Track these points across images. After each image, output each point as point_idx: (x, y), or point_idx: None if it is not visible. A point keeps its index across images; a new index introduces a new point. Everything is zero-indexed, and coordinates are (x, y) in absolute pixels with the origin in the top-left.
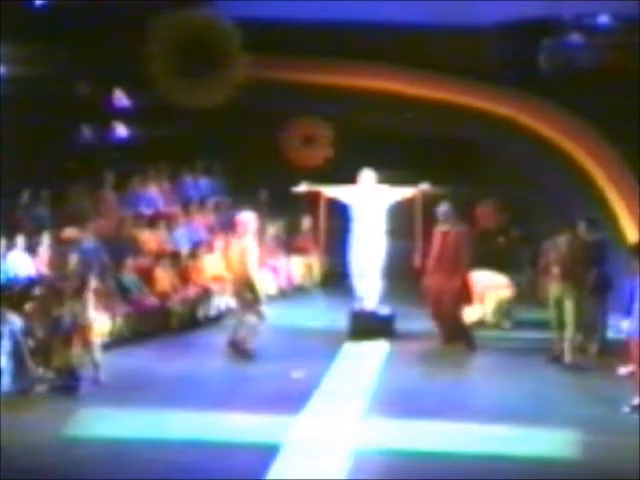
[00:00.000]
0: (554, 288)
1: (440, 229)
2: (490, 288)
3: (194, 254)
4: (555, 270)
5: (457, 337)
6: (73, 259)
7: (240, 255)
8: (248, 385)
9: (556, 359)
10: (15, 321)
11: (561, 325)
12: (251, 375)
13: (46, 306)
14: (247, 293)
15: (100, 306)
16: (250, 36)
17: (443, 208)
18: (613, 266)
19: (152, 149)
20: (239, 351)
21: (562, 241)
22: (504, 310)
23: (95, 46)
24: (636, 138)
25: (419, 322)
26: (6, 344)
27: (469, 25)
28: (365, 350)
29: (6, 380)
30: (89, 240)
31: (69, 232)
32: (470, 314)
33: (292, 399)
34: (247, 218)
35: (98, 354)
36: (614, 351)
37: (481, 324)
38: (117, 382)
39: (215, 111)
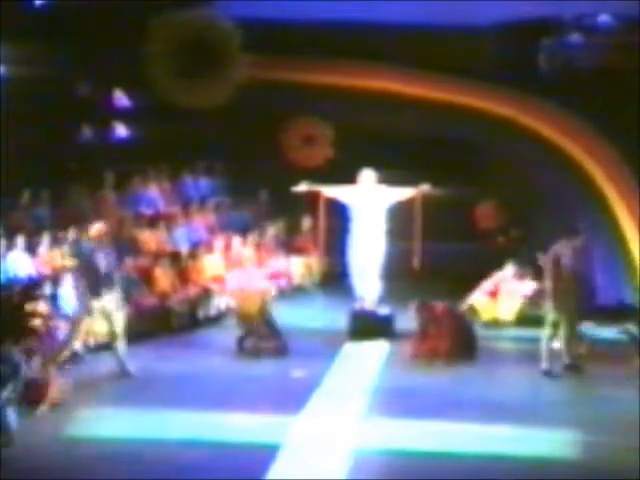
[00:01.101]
0: (565, 293)
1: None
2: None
3: (194, 254)
4: (566, 275)
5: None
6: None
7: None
8: (248, 385)
9: (548, 373)
10: (18, 357)
11: (558, 326)
12: (251, 375)
13: None
14: (262, 327)
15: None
16: (250, 36)
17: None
18: (611, 268)
19: (152, 149)
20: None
21: (569, 246)
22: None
23: (95, 46)
24: (636, 138)
25: None
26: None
27: (469, 25)
28: (365, 350)
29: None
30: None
31: (97, 229)
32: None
33: (292, 399)
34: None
35: (122, 347)
36: (607, 351)
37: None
38: (117, 382)
39: (215, 111)
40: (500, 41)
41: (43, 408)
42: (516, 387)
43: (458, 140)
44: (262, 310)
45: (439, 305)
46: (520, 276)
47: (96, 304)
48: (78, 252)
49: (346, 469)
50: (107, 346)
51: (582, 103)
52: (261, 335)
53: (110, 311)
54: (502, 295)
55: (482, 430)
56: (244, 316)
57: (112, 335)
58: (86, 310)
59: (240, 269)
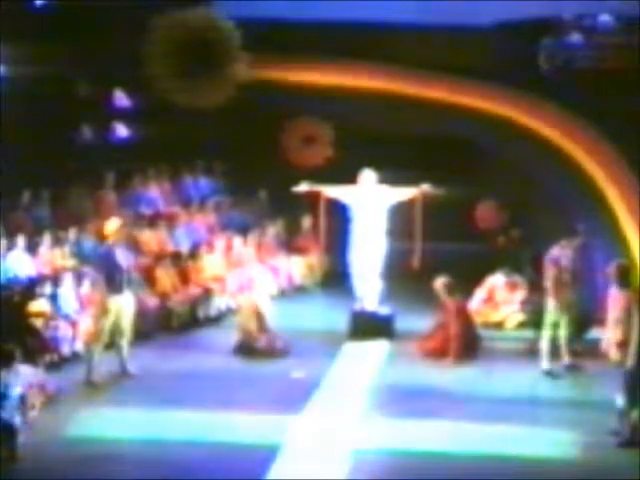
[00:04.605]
0: (565, 294)
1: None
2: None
3: (194, 254)
4: (567, 277)
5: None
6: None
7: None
8: (248, 385)
9: (549, 373)
10: (27, 373)
11: (558, 326)
12: (251, 375)
13: None
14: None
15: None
16: (250, 36)
17: (440, 282)
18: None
19: (152, 149)
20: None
21: (569, 247)
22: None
23: (95, 46)
24: (636, 138)
25: (419, 322)
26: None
27: (469, 25)
28: (365, 350)
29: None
30: (89, 240)
31: (115, 225)
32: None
33: (292, 399)
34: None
35: (125, 346)
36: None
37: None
38: (117, 382)
39: (215, 111)
40: (500, 41)
41: (34, 414)
42: (516, 387)
43: (458, 140)
44: (257, 314)
45: (454, 301)
46: (512, 286)
47: (113, 301)
48: (96, 250)
49: (346, 469)
50: (109, 345)
51: (582, 103)
52: (260, 338)
53: (124, 309)
54: (497, 303)
55: (482, 430)
56: (242, 320)
57: (120, 333)
58: (103, 309)
59: (240, 269)
